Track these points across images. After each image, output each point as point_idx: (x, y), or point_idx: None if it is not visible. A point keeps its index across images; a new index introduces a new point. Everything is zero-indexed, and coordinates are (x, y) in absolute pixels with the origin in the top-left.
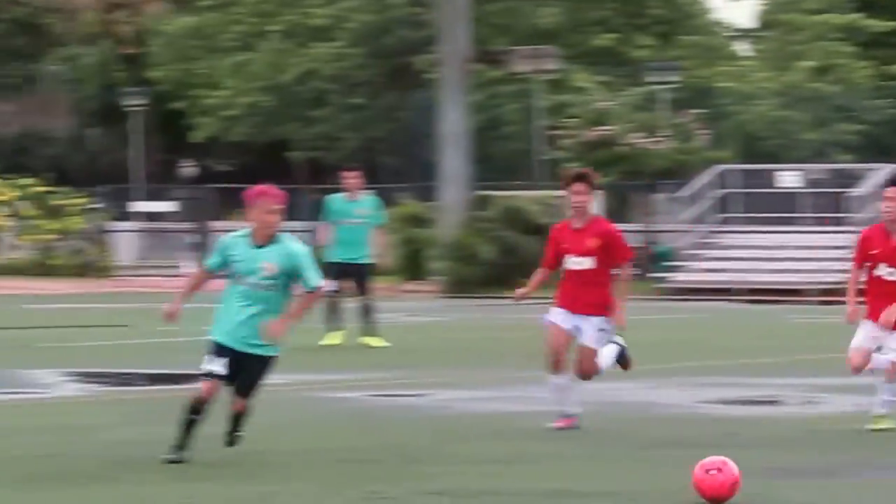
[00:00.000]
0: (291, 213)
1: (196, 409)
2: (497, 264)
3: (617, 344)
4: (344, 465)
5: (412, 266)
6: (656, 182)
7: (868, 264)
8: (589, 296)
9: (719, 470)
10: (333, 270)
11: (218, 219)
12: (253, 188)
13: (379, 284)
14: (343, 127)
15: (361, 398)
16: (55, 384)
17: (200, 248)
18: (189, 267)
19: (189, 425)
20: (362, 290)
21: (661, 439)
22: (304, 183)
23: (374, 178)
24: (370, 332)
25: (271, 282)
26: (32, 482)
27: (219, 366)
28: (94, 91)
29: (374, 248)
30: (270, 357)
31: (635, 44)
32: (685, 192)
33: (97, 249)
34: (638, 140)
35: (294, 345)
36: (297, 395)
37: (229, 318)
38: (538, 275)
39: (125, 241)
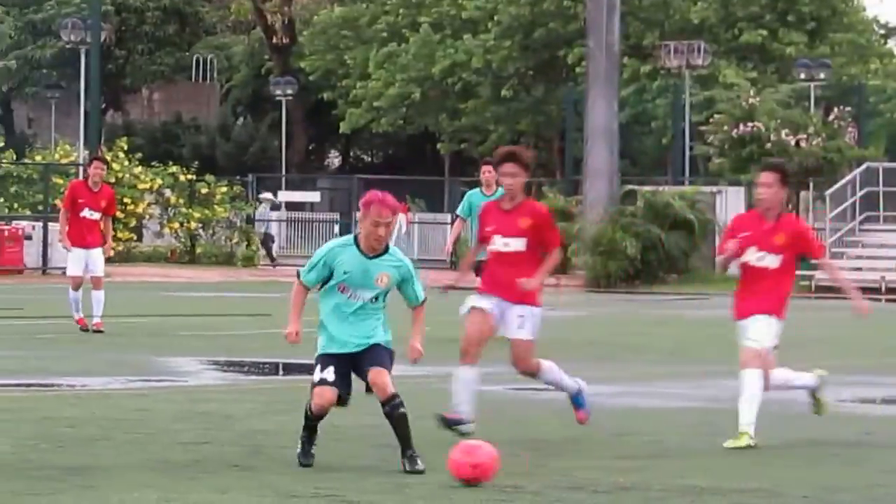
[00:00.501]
0: (436, 206)
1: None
2: (641, 259)
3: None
4: None
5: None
6: (804, 179)
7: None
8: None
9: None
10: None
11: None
12: (368, 194)
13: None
14: (490, 119)
15: (501, 391)
16: (196, 372)
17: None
18: None
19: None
20: None
21: (799, 438)
22: (450, 175)
23: None
24: None
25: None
26: (170, 469)
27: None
28: (243, 80)
29: None
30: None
31: (785, 40)
32: (832, 189)
33: (242, 238)
34: (785, 137)
35: (435, 337)
36: (436, 387)
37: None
38: (470, 255)
39: (272, 231)
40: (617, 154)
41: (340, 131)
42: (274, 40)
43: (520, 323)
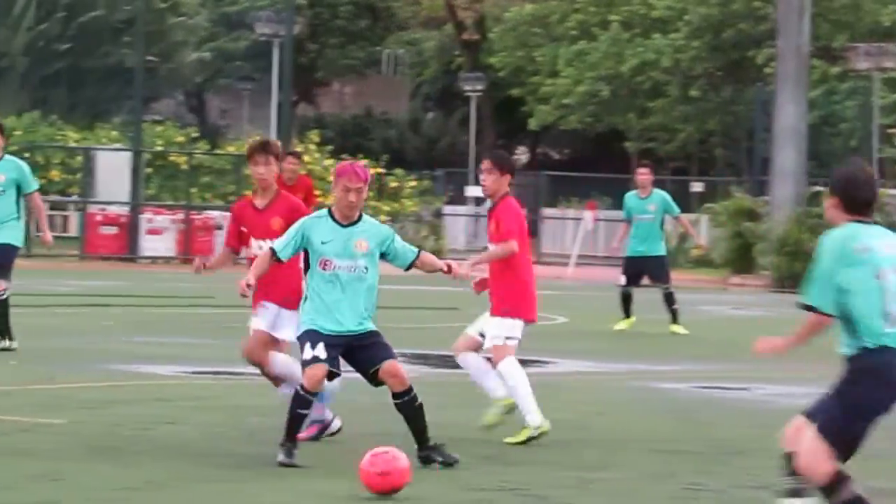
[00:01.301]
0: (622, 204)
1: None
2: None
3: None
4: (664, 456)
5: (741, 259)
6: None
7: None
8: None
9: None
10: (626, 264)
11: (549, 206)
12: (339, 165)
13: (706, 277)
14: (678, 119)
15: (684, 389)
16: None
17: (531, 234)
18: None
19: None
20: (660, 280)
21: None
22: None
23: (708, 170)
24: (674, 319)
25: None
26: (359, 460)
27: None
28: (433, 75)
29: (698, 237)
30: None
31: None
32: None
33: (430, 232)
34: None
35: (618, 335)
36: (620, 383)
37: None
38: (222, 255)
39: (457, 225)
40: (805, 155)
41: (528, 128)
42: (464, 36)
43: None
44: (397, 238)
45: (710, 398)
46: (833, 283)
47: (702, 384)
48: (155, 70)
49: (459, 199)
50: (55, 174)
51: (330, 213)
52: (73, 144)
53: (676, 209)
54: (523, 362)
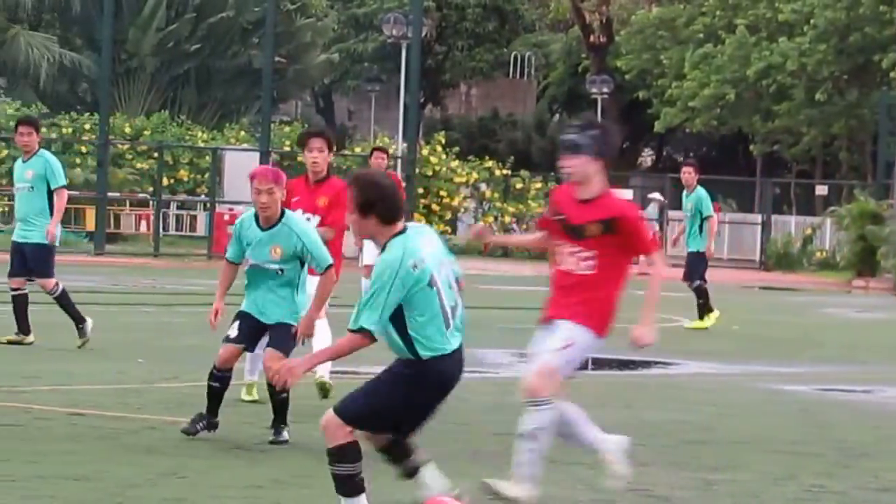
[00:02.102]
0: (747, 206)
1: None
2: None
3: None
4: (786, 457)
5: (864, 263)
6: None
7: None
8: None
9: None
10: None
11: (673, 207)
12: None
13: (829, 279)
14: (803, 122)
15: (807, 391)
16: (509, 364)
17: (659, 232)
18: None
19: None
20: (688, 276)
21: None
22: (762, 176)
23: (832, 173)
24: (700, 314)
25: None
26: (483, 458)
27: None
28: (559, 78)
29: (710, 242)
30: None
31: None
32: None
33: None
34: None
35: (741, 336)
36: (742, 385)
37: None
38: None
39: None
40: None
41: (654, 130)
42: (591, 39)
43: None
44: (317, 248)
45: (834, 400)
46: None
47: (825, 386)
48: (283, 71)
49: None
50: (183, 174)
51: (255, 215)
52: (201, 144)
53: (707, 211)
54: (647, 364)
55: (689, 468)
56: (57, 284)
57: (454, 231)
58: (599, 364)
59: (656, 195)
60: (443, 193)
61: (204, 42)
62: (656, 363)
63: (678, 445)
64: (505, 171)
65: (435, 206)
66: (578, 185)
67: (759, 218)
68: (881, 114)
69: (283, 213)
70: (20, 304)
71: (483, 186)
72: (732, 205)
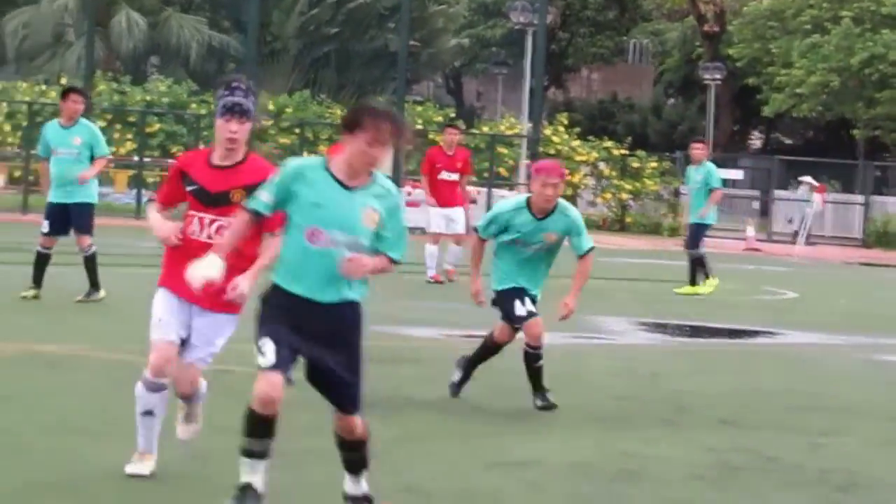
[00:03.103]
0: (850, 187)
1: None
2: None
3: None
4: (890, 424)
5: None
6: None
7: None
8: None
9: None
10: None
11: (780, 187)
12: (537, 163)
13: None
14: None
15: None
16: (627, 331)
17: (763, 213)
18: (752, 230)
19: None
20: (685, 245)
21: None
22: (864, 159)
23: None
24: (691, 282)
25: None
26: (603, 420)
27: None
28: (675, 64)
29: (706, 209)
30: None
31: None
32: None
33: (668, 210)
34: None
35: (845, 309)
36: (848, 355)
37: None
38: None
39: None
40: None
41: (763, 115)
42: (705, 28)
43: None
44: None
45: None
46: None
47: None
48: (417, 54)
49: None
50: (323, 148)
51: (528, 204)
52: (339, 121)
53: (715, 183)
54: (755, 333)
55: (797, 432)
56: (91, 245)
57: (574, 204)
58: (711, 333)
59: (807, 178)
60: (565, 171)
61: (343, 26)
62: (764, 333)
63: (787, 410)
64: (622, 151)
65: None
66: None
67: (860, 198)
68: None
69: (556, 204)
70: (42, 262)
71: (602, 165)
72: (836, 186)
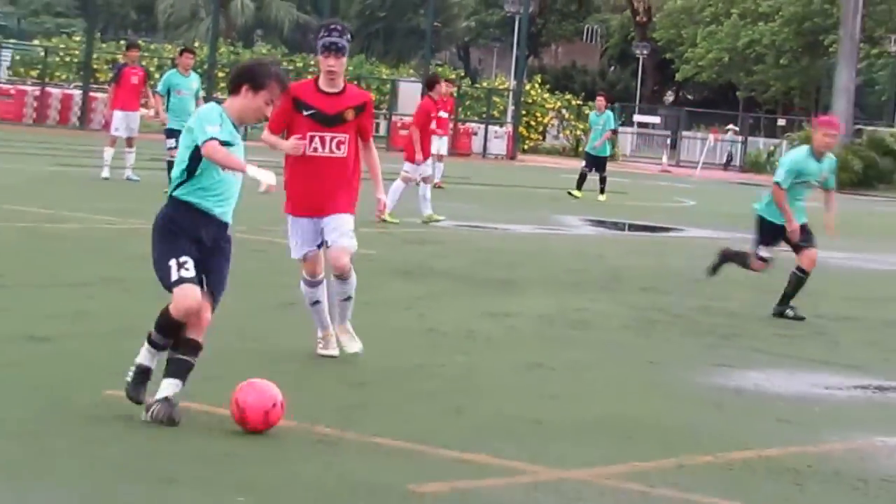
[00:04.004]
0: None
1: None
2: (863, 173)
3: None
4: None
5: None
6: None
7: None
8: None
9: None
10: (587, 158)
11: (686, 129)
12: (819, 117)
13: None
14: (772, 78)
15: None
16: (577, 226)
17: (673, 147)
18: (665, 158)
19: None
20: (600, 170)
21: None
22: (743, 112)
23: (789, 111)
24: (601, 191)
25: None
26: (560, 285)
27: None
28: (616, 43)
29: (599, 142)
30: None
31: None
32: None
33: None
34: None
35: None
36: None
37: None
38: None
39: (627, 140)
40: (852, 105)
41: (675, 79)
42: (637, 19)
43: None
44: (836, 171)
45: None
46: None
47: None
48: (438, 31)
49: (629, 123)
50: (373, 96)
51: (811, 152)
52: (384, 77)
53: (614, 125)
54: (667, 229)
55: (695, 297)
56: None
57: (544, 139)
58: (637, 228)
59: (732, 126)
60: (538, 114)
61: (389, 10)
62: (673, 229)
63: (687, 282)
64: (578, 102)
65: (532, 122)
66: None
67: (740, 138)
68: (823, 74)
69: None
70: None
71: (564, 111)
72: (723, 129)
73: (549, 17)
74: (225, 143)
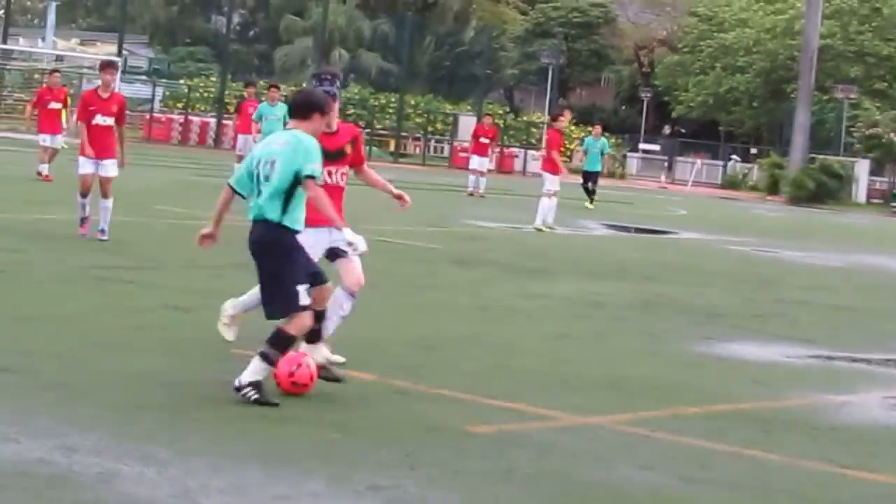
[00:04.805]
0: (716, 157)
1: None
2: (815, 191)
3: None
4: None
5: (773, 186)
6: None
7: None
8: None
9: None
10: (584, 175)
11: (679, 155)
12: None
13: (750, 194)
14: (747, 116)
15: None
16: (594, 228)
17: (669, 168)
18: (663, 177)
19: None
20: (595, 184)
21: None
22: (724, 143)
23: (759, 142)
24: (591, 201)
25: None
26: (582, 275)
27: None
28: (626, 88)
29: (601, 164)
30: None
31: None
32: None
33: (617, 164)
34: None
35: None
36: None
37: None
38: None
39: (634, 163)
40: (807, 138)
41: (671, 116)
42: (643, 70)
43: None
44: None
45: None
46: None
47: None
48: (490, 77)
49: (635, 149)
50: (439, 126)
51: None
52: (447, 111)
53: (607, 150)
54: (664, 232)
55: (683, 284)
56: None
57: (570, 160)
58: (640, 231)
59: (735, 157)
60: (565, 142)
61: (452, 60)
62: (669, 232)
63: (677, 272)
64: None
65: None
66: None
67: (720, 163)
68: (785, 114)
69: None
70: None
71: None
72: (708, 155)
73: (575, 67)
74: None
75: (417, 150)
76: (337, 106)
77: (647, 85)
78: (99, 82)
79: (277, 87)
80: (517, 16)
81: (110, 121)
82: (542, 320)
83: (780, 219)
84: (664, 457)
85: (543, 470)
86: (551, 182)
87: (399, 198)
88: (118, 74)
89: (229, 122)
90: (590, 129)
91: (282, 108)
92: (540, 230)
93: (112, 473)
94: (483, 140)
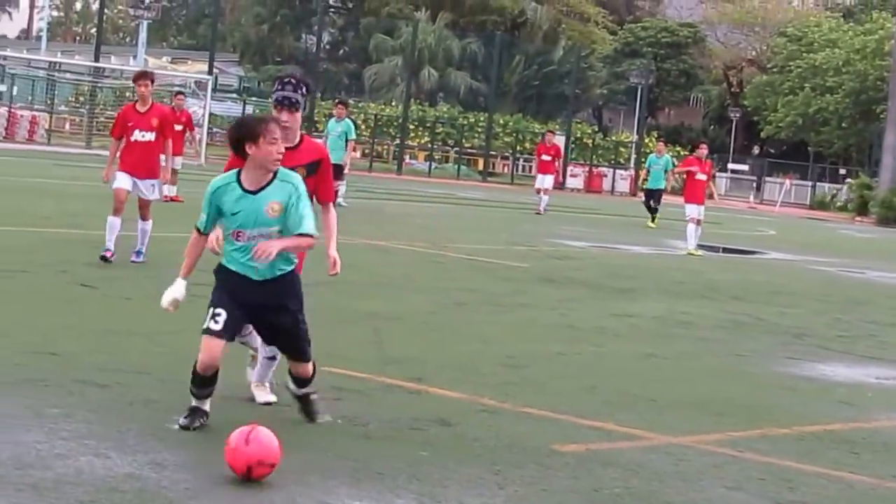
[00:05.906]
0: (805, 177)
1: None
2: None
3: None
4: None
5: (863, 206)
6: None
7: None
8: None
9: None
10: (646, 193)
11: (768, 175)
12: None
13: (841, 215)
14: (837, 136)
15: None
16: (682, 248)
17: (758, 189)
18: (752, 197)
19: None
20: (658, 202)
21: None
22: (813, 163)
23: (849, 162)
24: (652, 219)
25: None
26: (671, 296)
27: None
28: (715, 107)
29: (667, 180)
30: None
31: None
32: None
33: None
34: None
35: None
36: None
37: None
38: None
39: (722, 183)
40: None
41: (760, 136)
42: (731, 89)
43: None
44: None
45: None
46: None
47: None
48: (579, 97)
49: (724, 169)
50: (528, 145)
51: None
52: (536, 130)
53: (670, 166)
54: (752, 252)
55: (772, 304)
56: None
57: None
58: (729, 251)
59: (789, 176)
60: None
61: (541, 80)
62: (757, 252)
63: (768, 293)
64: (685, 153)
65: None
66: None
67: (809, 183)
68: (874, 135)
69: None
70: None
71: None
72: (797, 175)
73: (664, 87)
74: (233, 213)
75: (506, 169)
76: (298, 116)
77: (736, 105)
78: (191, 100)
79: (345, 104)
80: (606, 35)
81: (150, 136)
82: (630, 339)
83: (869, 240)
84: (753, 477)
85: (631, 490)
86: (689, 210)
87: (331, 262)
88: (151, 86)
89: (319, 139)
90: (678, 149)
91: (346, 125)
92: (692, 254)
93: (200, 490)
94: (545, 158)
